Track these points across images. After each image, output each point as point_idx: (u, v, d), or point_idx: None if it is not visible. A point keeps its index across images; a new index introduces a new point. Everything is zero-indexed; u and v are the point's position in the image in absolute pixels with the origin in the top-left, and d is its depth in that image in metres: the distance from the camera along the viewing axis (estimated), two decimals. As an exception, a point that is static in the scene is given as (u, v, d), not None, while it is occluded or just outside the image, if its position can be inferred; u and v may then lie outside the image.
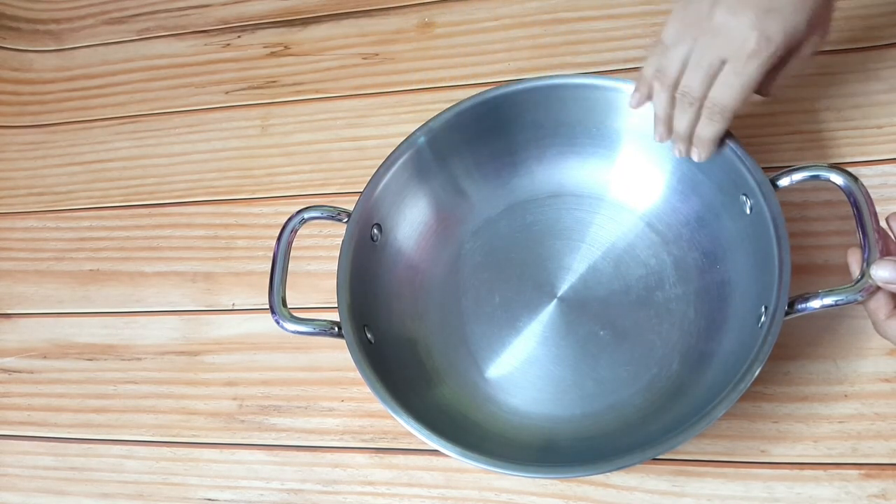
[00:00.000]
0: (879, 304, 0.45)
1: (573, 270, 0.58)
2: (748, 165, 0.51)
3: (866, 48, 0.64)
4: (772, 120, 0.63)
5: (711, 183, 0.54)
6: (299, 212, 0.56)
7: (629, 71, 0.68)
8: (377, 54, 0.75)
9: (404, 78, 0.73)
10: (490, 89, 0.58)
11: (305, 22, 0.79)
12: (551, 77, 0.58)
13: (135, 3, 0.86)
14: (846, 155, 0.60)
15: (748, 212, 0.51)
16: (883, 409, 0.51)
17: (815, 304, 0.45)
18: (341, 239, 0.55)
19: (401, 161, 0.57)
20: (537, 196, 0.61)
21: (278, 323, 0.52)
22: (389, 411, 0.48)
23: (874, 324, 0.46)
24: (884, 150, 0.60)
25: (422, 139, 0.57)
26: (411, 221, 0.59)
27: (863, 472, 0.50)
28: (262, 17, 0.81)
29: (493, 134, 0.59)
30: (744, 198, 0.51)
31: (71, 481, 0.62)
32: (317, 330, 0.52)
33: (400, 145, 0.58)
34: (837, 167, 0.49)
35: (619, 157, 0.59)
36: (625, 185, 0.59)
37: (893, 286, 0.44)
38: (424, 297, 0.59)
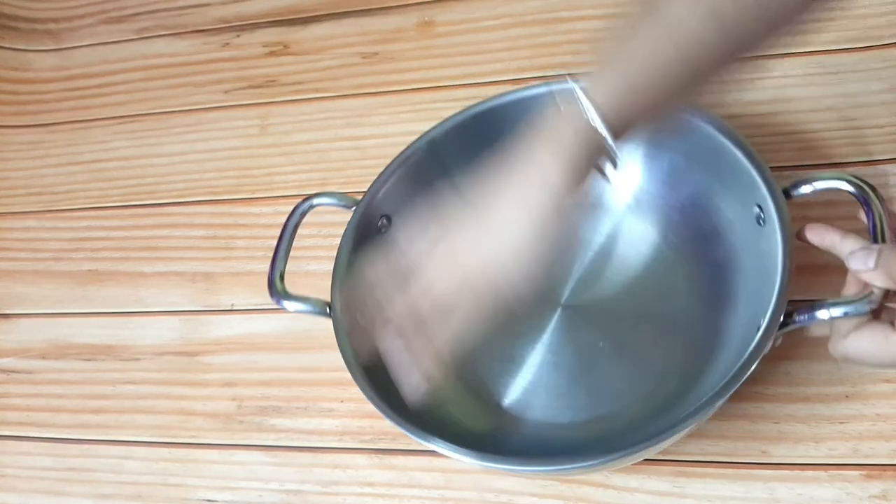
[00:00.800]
0: (844, 320, 0.44)
1: (580, 279, 0.57)
2: (765, 176, 0.49)
3: (866, 48, 0.64)
4: (772, 119, 0.62)
5: (729, 194, 0.53)
6: (309, 197, 0.56)
7: (629, 70, 0.68)
8: (377, 53, 0.75)
9: (404, 77, 0.73)
10: (498, 95, 0.57)
11: (305, 21, 0.79)
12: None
13: (133, 2, 0.86)
14: (847, 155, 0.60)
15: (761, 224, 0.50)
16: (884, 410, 0.51)
17: (823, 314, 0.44)
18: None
19: (412, 160, 0.57)
20: None
21: (275, 300, 0.52)
22: (356, 382, 0.48)
23: (832, 339, 0.45)
24: (885, 149, 0.59)
25: (428, 144, 0.57)
26: (420, 219, 0.59)
27: (864, 472, 0.50)
28: (262, 16, 0.81)
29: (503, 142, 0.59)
30: (757, 209, 0.50)
31: (70, 482, 0.62)
32: (311, 309, 0.52)
33: (413, 143, 0.57)
34: (857, 179, 0.48)
35: (633, 168, 0.58)
36: (642, 199, 0.58)
37: (861, 274, 0.43)
38: None
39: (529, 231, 0.39)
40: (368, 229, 0.55)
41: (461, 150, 0.58)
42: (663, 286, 0.56)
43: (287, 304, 0.52)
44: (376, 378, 0.49)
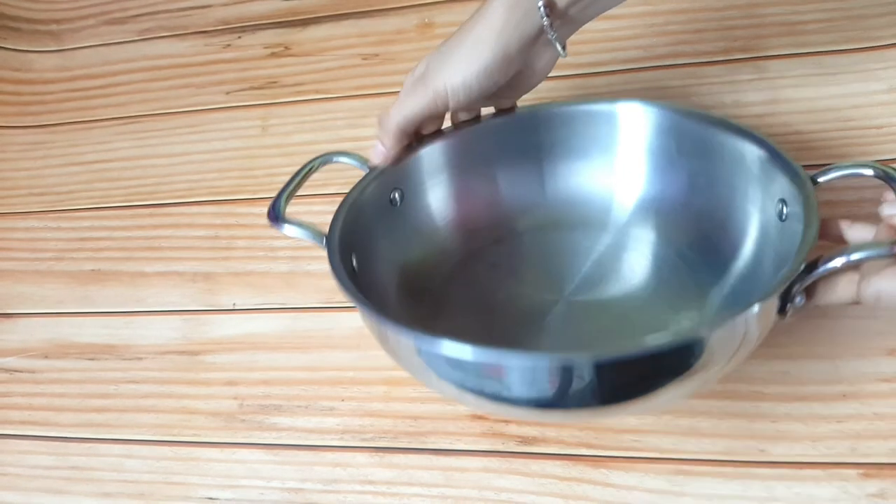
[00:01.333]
0: (874, 262, 0.43)
1: (590, 281, 0.57)
2: (790, 165, 0.49)
3: (866, 48, 0.64)
4: (771, 120, 0.63)
5: (749, 192, 0.53)
6: (329, 153, 0.56)
7: (629, 71, 0.68)
8: (377, 55, 0.75)
9: (405, 78, 0.73)
10: (542, 104, 0.58)
11: (306, 22, 0.80)
12: (597, 101, 0.57)
13: (135, 3, 0.86)
14: (846, 155, 0.60)
15: (783, 220, 0.49)
16: (882, 409, 0.51)
17: (838, 262, 0.42)
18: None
19: (441, 142, 0.56)
20: (572, 214, 0.60)
21: (275, 224, 0.52)
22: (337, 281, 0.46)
23: (863, 281, 0.43)
24: (884, 150, 0.60)
25: (465, 132, 0.57)
26: (440, 204, 0.59)
27: (861, 471, 0.50)
28: (263, 17, 0.81)
29: (540, 146, 0.59)
30: (780, 204, 0.49)
31: (72, 481, 0.62)
32: (308, 235, 0.52)
33: (448, 127, 0.57)
34: (878, 165, 0.47)
35: (652, 180, 0.58)
36: (654, 208, 0.58)
37: (894, 218, 0.44)
38: (428, 280, 0.58)
39: (474, 55, 0.51)
40: (380, 198, 0.55)
41: (488, 137, 0.58)
42: (673, 292, 0.55)
43: (286, 227, 0.52)
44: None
